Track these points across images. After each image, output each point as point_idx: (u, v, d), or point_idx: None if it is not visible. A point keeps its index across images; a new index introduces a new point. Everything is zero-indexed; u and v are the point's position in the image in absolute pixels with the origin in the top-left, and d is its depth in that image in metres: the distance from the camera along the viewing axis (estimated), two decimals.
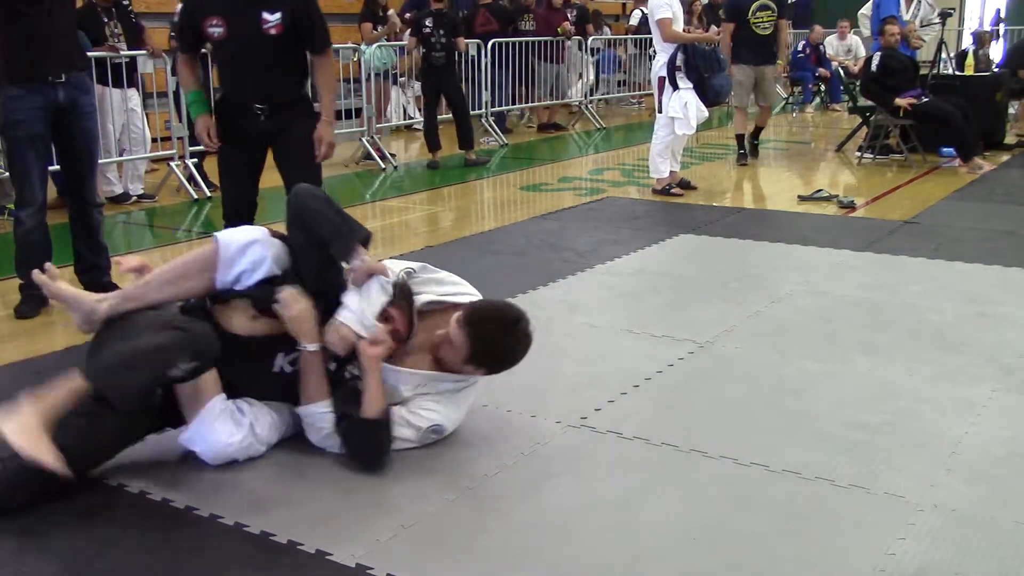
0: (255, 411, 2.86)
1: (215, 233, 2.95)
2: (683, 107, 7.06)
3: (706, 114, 7.31)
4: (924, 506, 2.65)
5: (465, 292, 3.17)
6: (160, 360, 2.52)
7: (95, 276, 4.60)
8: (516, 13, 11.66)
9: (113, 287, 4.58)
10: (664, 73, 7.13)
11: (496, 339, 2.89)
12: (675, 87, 7.07)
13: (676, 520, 2.59)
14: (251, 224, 4.17)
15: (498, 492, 2.74)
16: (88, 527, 2.51)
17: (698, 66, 7.03)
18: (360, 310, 2.84)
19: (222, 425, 2.77)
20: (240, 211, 4.26)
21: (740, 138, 9.10)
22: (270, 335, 2.86)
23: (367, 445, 2.83)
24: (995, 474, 2.85)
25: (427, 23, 8.84)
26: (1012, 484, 2.78)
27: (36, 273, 2.83)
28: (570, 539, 2.49)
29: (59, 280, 2.85)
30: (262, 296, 2.85)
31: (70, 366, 3.71)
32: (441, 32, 8.79)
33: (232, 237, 2.90)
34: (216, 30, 4.06)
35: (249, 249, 2.87)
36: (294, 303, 2.81)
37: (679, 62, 7.03)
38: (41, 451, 2.38)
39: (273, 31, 4.04)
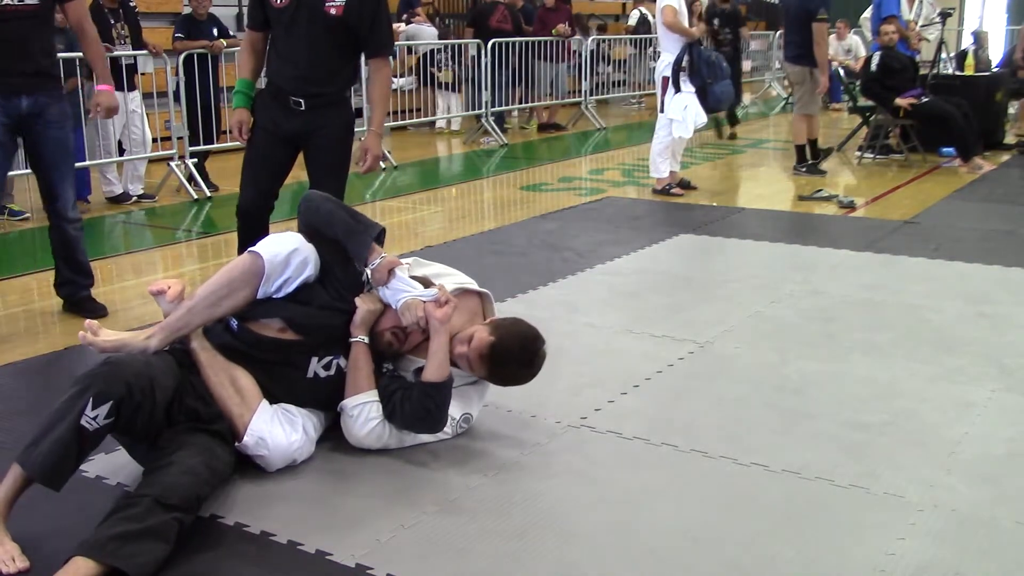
0: (301, 413, 2.88)
1: (254, 248, 2.88)
2: (683, 110, 7.06)
3: (705, 120, 7.29)
4: (924, 506, 2.65)
5: (462, 281, 3.20)
6: (63, 416, 2.39)
7: (72, 291, 4.47)
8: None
9: (91, 303, 4.45)
10: (668, 73, 7.13)
11: (514, 376, 3.05)
12: (677, 89, 7.06)
13: (676, 520, 2.59)
14: (264, 224, 4.17)
15: (498, 492, 2.74)
16: (89, 528, 2.50)
17: (702, 71, 7.02)
18: (409, 288, 2.93)
19: (279, 428, 2.78)
20: (256, 208, 4.17)
21: (814, 144, 8.40)
22: (302, 341, 2.89)
23: (434, 405, 2.87)
24: (995, 474, 2.84)
25: (715, 22, 10.16)
26: (1012, 484, 2.78)
27: (81, 335, 2.73)
28: (570, 539, 2.49)
29: (101, 332, 2.76)
30: (291, 315, 2.87)
31: (69, 366, 3.74)
32: (727, 29, 10.17)
33: (275, 250, 2.85)
34: None
35: (292, 258, 2.86)
36: (368, 302, 2.92)
37: (684, 63, 7.02)
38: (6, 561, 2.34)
39: (333, 11, 3.87)
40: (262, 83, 4.25)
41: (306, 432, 2.86)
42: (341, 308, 2.93)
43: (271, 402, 2.83)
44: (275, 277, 2.84)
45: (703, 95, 7.07)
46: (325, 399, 2.94)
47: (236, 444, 2.74)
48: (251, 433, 2.73)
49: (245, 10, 12.68)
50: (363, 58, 4.21)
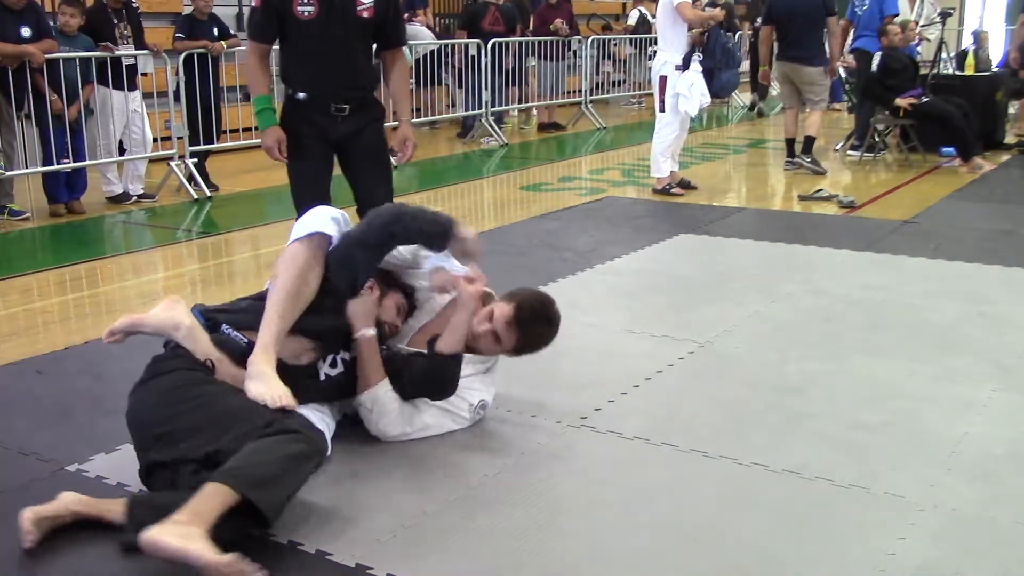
0: (316, 418, 2.85)
1: (305, 231, 2.89)
2: (689, 87, 7.05)
3: (709, 100, 7.29)
4: (924, 506, 2.65)
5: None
6: (302, 473, 2.49)
7: None
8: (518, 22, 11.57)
9: None
10: (665, 72, 7.13)
11: (542, 336, 3.12)
12: (686, 68, 7.08)
13: (676, 520, 2.59)
14: None
15: (498, 492, 2.74)
16: (89, 527, 2.50)
17: (716, 54, 7.02)
18: (444, 262, 3.12)
19: None
20: None
21: (813, 142, 8.47)
22: (311, 351, 2.88)
23: (449, 374, 2.95)
24: (995, 474, 2.84)
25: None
26: (1012, 484, 2.78)
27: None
28: (570, 539, 2.49)
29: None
30: (300, 324, 2.86)
31: (69, 366, 3.74)
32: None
33: (323, 224, 2.91)
34: (307, 8, 3.81)
35: (338, 222, 2.95)
36: (361, 301, 2.95)
37: (697, 53, 7.05)
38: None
39: (366, 14, 3.87)
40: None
41: (325, 438, 2.83)
42: (341, 310, 2.95)
43: None
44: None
45: (710, 78, 7.06)
46: (339, 394, 2.97)
47: None
48: None
49: (245, 10, 12.65)
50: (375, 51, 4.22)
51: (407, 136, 4.13)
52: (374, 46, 4.14)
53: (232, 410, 2.56)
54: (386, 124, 4.25)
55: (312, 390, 2.88)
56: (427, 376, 2.97)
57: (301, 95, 3.97)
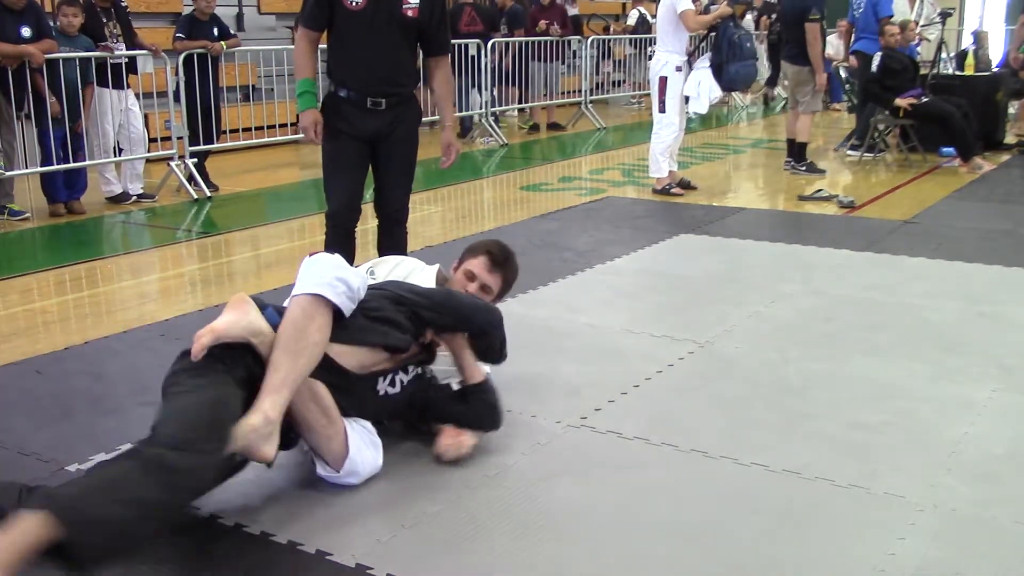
0: (367, 439, 2.82)
1: (310, 291, 2.60)
2: (697, 86, 7.05)
3: (720, 94, 7.29)
4: (924, 506, 2.65)
5: (419, 266, 3.36)
6: (144, 528, 2.12)
7: None
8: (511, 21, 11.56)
9: None
10: (665, 73, 7.14)
11: (516, 269, 3.39)
12: (691, 68, 7.10)
13: (676, 520, 2.59)
14: (353, 228, 4.16)
15: (498, 492, 2.74)
16: None
17: (722, 49, 7.03)
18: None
19: (369, 451, 2.77)
20: (351, 212, 4.13)
21: (802, 147, 8.43)
22: (376, 365, 2.85)
23: (495, 398, 3.06)
24: (995, 474, 2.84)
25: (773, 16, 12.15)
26: (1012, 484, 2.78)
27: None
28: (570, 539, 2.49)
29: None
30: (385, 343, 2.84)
31: (69, 366, 3.74)
32: (779, 24, 12.25)
33: (326, 283, 2.62)
34: None
35: (349, 280, 2.67)
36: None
37: (701, 55, 7.08)
38: None
39: (410, 13, 3.95)
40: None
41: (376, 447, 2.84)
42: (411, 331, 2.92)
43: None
44: (352, 301, 2.71)
45: (719, 72, 7.07)
46: (390, 413, 2.95)
47: (323, 473, 2.70)
48: (348, 468, 2.70)
49: (246, 10, 12.61)
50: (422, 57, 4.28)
51: (451, 142, 4.20)
52: (419, 48, 4.19)
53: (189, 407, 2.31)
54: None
55: (368, 403, 2.83)
56: (476, 412, 3.02)
57: (342, 92, 4.05)
